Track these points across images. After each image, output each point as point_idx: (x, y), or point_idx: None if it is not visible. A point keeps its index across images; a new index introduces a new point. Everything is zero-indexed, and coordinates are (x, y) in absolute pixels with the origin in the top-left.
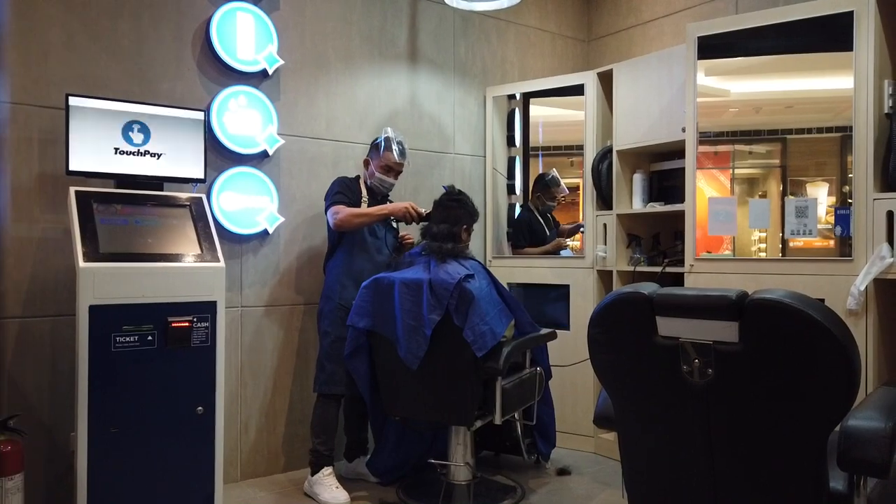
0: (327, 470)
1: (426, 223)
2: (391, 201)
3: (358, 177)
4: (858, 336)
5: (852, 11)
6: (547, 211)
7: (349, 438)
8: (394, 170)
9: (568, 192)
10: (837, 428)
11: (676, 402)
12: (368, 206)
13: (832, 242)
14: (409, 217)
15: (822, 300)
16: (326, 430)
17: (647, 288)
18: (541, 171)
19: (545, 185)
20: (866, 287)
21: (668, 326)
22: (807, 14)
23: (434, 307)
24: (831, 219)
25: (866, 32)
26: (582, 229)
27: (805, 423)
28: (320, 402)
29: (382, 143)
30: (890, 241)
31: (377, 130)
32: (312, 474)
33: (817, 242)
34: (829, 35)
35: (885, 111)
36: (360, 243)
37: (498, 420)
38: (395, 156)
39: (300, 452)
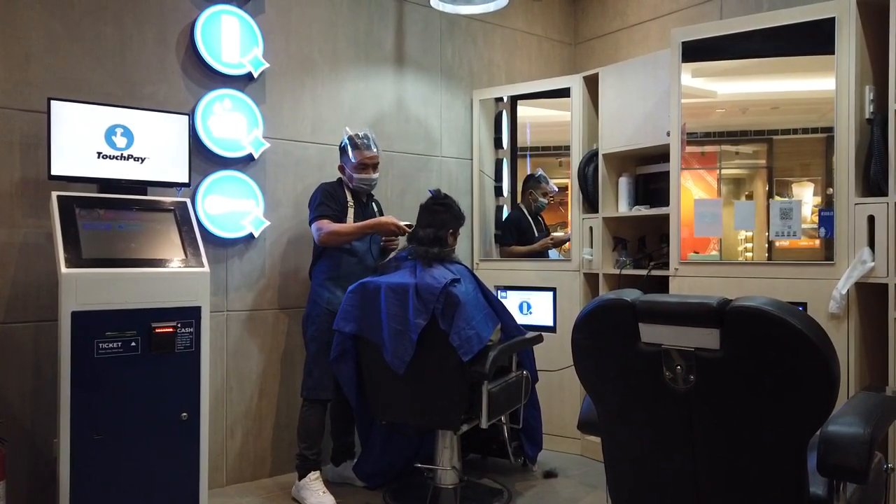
0: (314, 474)
1: (411, 229)
2: (376, 202)
3: (341, 180)
4: (840, 340)
5: (834, 18)
6: (539, 210)
7: (336, 442)
8: (369, 164)
9: (557, 190)
10: (818, 433)
11: (659, 408)
12: (354, 209)
13: (817, 242)
14: (393, 233)
15: (805, 304)
16: (312, 434)
17: (630, 294)
18: (528, 172)
19: (536, 182)
20: (848, 291)
21: (650, 333)
22: (789, 20)
23: (420, 312)
24: (816, 218)
25: (848, 39)
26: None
27: (785, 428)
28: (305, 406)
29: (348, 144)
30: (871, 246)
31: None
32: (300, 479)
33: (803, 242)
34: (814, 39)
35: (867, 116)
36: (347, 248)
37: (484, 424)
38: (371, 149)
39: (287, 456)
